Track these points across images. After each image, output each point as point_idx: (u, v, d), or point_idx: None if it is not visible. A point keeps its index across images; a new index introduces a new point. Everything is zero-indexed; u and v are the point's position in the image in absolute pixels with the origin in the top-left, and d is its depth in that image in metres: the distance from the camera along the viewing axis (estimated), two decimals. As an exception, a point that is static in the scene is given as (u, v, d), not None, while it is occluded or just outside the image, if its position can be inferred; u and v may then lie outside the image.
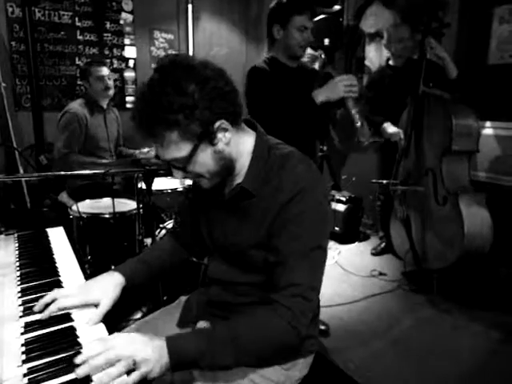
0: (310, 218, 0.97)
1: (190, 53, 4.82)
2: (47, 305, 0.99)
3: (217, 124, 0.92)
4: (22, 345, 0.86)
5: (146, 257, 1.24)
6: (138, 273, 1.17)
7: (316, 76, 2.16)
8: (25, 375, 0.77)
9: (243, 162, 1.03)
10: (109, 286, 1.08)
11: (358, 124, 1.73)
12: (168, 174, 3.01)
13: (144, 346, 0.83)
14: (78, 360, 0.78)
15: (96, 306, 1.03)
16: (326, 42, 3.54)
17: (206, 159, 0.96)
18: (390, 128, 2.95)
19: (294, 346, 0.98)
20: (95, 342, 0.83)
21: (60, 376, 0.77)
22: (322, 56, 2.68)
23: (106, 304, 1.03)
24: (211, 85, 0.90)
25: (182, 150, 0.92)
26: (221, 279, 1.15)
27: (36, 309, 0.99)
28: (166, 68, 0.91)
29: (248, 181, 1.01)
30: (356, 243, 3.79)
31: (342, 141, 3.71)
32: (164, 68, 0.91)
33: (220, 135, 0.94)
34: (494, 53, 2.97)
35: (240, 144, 1.02)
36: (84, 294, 1.04)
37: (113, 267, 1.18)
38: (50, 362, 0.81)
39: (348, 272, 3.15)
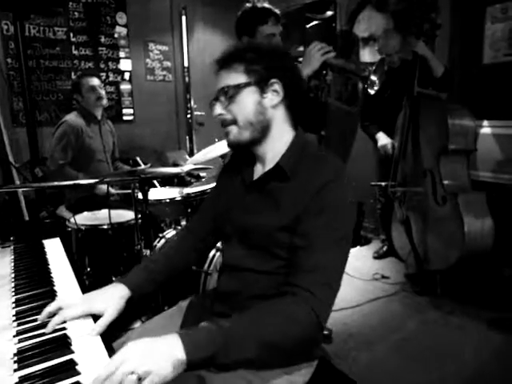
0: (342, 208, 0.99)
1: (186, 63, 4.85)
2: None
3: (273, 80, 1.04)
4: (15, 354, 0.84)
5: (151, 265, 1.21)
6: (143, 283, 1.15)
7: None
8: (16, 384, 0.76)
9: (278, 149, 1.08)
10: (113, 297, 1.06)
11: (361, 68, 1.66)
12: (164, 183, 3.01)
13: (149, 354, 0.76)
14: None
15: (98, 316, 1.01)
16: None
17: (248, 102, 1.04)
18: (380, 139, 3.04)
19: (313, 337, 0.95)
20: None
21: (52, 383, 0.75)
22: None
23: (110, 314, 1.01)
24: (293, 69, 1.10)
25: (238, 79, 1.04)
26: (237, 266, 1.12)
27: (40, 318, 0.96)
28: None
29: (285, 161, 1.06)
30: (358, 247, 3.77)
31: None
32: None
33: (270, 93, 1.05)
34: (488, 52, 2.98)
35: (282, 129, 1.09)
36: (88, 304, 1.01)
37: (114, 278, 1.16)
38: (42, 369, 0.79)
39: (351, 276, 3.12)
